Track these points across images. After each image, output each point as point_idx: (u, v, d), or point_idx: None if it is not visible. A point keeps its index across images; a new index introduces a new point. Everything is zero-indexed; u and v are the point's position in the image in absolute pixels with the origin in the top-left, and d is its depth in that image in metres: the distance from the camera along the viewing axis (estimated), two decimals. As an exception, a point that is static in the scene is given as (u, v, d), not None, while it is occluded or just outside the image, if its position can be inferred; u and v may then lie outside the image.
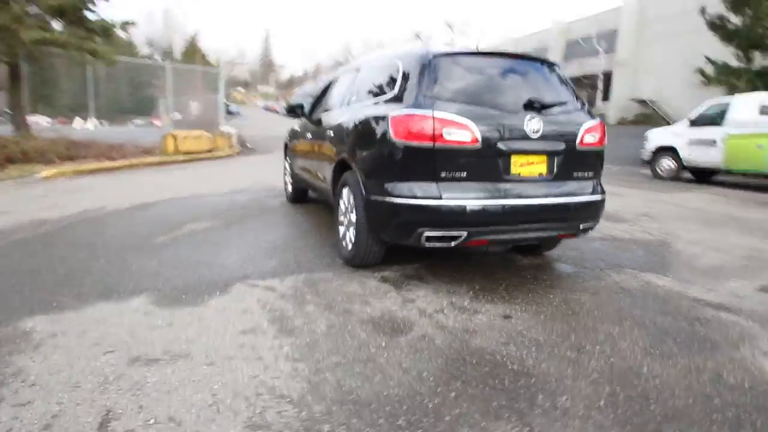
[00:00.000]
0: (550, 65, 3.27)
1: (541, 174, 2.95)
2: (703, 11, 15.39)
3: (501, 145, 2.81)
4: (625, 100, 29.91)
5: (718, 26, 15.45)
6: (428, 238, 2.83)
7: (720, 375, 2.10)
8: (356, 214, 3.22)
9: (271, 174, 8.86)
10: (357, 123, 3.32)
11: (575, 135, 2.99)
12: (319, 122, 4.48)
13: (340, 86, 4.38)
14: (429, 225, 2.79)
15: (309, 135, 4.76)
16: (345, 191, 3.53)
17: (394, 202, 2.85)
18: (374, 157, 3.05)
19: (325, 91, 4.84)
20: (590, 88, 32.24)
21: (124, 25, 12.12)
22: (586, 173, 3.13)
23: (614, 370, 2.11)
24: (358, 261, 3.36)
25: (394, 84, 3.12)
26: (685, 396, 1.92)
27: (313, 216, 5.25)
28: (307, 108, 5.34)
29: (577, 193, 3.03)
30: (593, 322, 2.65)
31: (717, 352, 2.33)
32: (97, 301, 2.77)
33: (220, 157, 11.97)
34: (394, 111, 2.89)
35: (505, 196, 2.85)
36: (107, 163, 9.28)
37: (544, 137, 2.89)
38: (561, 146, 2.96)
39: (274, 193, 6.80)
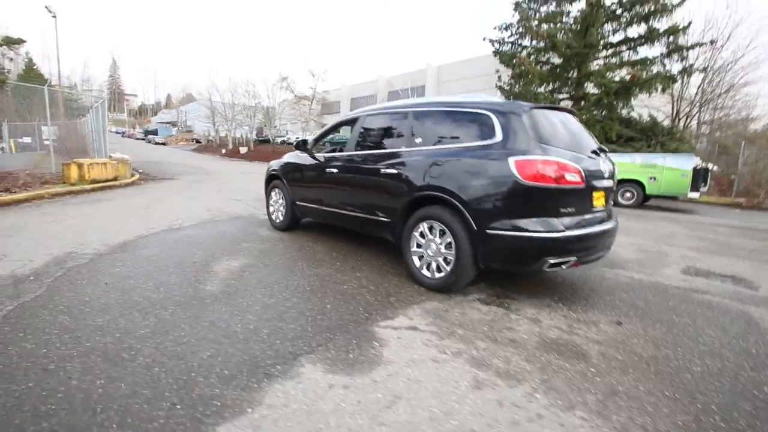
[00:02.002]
0: (576, 115, 3.41)
1: (602, 206, 3.06)
2: (499, 78, 18.22)
3: (592, 184, 2.83)
4: (433, 136, 33.55)
5: (503, 89, 18.48)
6: (551, 265, 2.68)
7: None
8: (458, 245, 2.87)
9: (219, 202, 7.33)
10: (456, 164, 2.95)
11: (613, 174, 3.19)
12: (354, 160, 3.87)
13: (381, 128, 3.85)
14: (552, 254, 2.66)
15: (335, 170, 4.04)
16: (424, 225, 3.13)
17: (524, 236, 2.66)
18: (493, 195, 2.75)
19: (343, 130, 4.17)
20: (409, 126, 35.22)
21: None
22: (611, 205, 3.36)
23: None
24: (455, 287, 3.02)
25: (492, 131, 2.87)
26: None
27: (328, 245, 4.46)
28: (310, 144, 4.57)
29: (613, 221, 3.23)
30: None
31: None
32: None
33: (129, 185, 9.26)
34: (516, 156, 2.66)
35: (592, 225, 2.88)
36: (5, 196, 6.32)
37: (606, 177, 3.03)
38: (610, 183, 3.12)
39: (253, 222, 5.59)
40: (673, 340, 2.47)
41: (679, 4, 14.36)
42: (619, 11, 15.48)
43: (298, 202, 4.76)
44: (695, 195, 9.93)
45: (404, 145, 3.44)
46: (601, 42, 15.60)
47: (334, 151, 4.95)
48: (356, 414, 1.67)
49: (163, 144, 42.24)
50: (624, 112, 15.76)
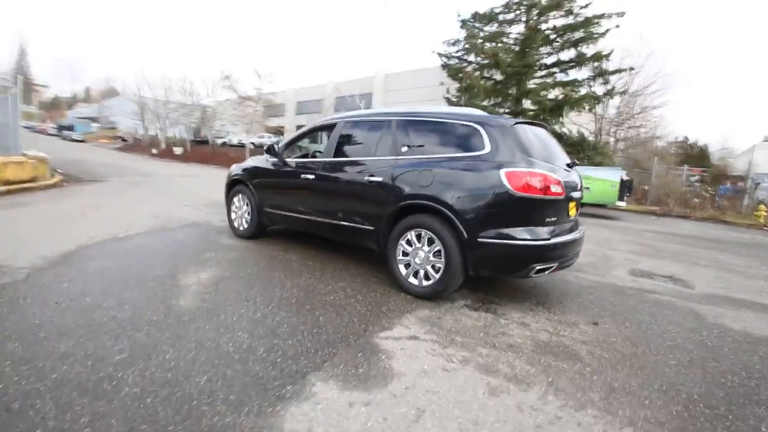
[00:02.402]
0: (548, 129, 3.63)
1: (574, 215, 3.30)
2: (447, 90, 18.95)
3: (570, 195, 3.04)
4: (380, 143, 33.99)
5: (450, 101, 19.26)
6: (537, 270, 2.82)
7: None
8: (447, 253, 2.93)
9: (165, 208, 6.72)
10: (446, 174, 3.00)
11: (581, 186, 3.46)
12: (334, 167, 3.77)
13: (362, 135, 3.79)
14: (539, 260, 2.80)
15: (312, 177, 3.91)
16: (411, 233, 3.15)
17: (514, 243, 2.78)
18: (484, 205, 2.84)
19: (317, 137, 4.03)
20: (356, 132, 35.37)
21: None
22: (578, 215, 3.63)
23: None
24: (444, 294, 3.07)
25: (481, 143, 2.97)
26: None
27: (300, 253, 4.27)
28: (281, 149, 4.38)
29: (582, 229, 3.49)
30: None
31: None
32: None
33: (50, 186, 8.10)
34: (506, 168, 2.78)
35: (569, 233, 3.09)
36: None
37: (578, 188, 3.27)
38: (580, 194, 3.37)
39: (211, 230, 5.17)
40: (645, 337, 2.73)
41: (603, 34, 16.08)
42: (553, 36, 16.94)
43: (267, 209, 4.53)
44: (622, 204, 11.10)
45: (389, 153, 3.43)
46: (538, 63, 16.95)
47: (306, 156, 4.79)
48: (386, 432, 1.61)
49: (82, 141, 37.84)
50: (556, 127, 17.21)
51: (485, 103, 17.68)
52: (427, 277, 3.13)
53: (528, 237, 2.77)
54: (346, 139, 3.91)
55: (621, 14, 15.76)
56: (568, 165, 3.32)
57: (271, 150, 4.41)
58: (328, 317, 2.69)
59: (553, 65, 17.55)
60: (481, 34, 18.07)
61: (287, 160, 4.40)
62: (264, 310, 2.75)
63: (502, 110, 18.23)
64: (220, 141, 30.30)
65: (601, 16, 15.95)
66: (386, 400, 1.82)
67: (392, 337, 2.46)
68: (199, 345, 2.20)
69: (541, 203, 2.80)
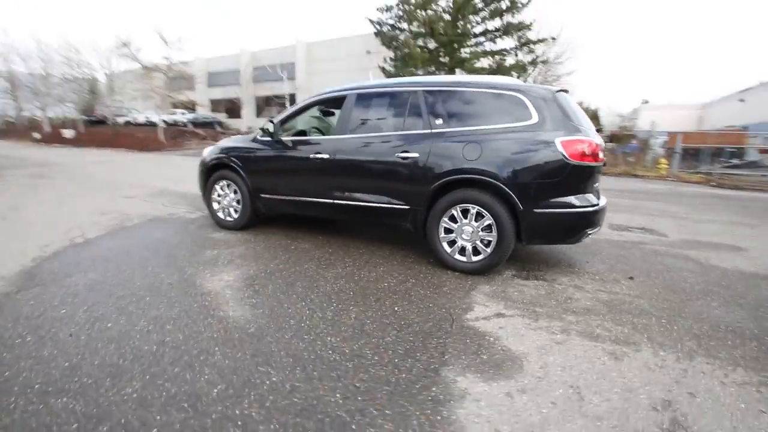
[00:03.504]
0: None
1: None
2: (385, 60, 18.54)
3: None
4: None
5: (383, 69, 18.98)
6: (587, 235, 2.94)
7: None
8: (501, 227, 2.92)
9: (106, 203, 5.68)
10: (495, 146, 2.91)
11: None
12: (354, 145, 3.46)
13: (383, 108, 3.48)
14: (591, 225, 2.92)
15: (325, 156, 3.54)
16: (457, 209, 3.07)
17: (571, 212, 2.84)
18: (539, 175, 2.82)
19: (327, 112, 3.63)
20: (281, 106, 33.41)
21: None
22: None
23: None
24: (496, 266, 3.07)
25: (526, 113, 2.92)
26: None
27: (310, 241, 3.91)
28: (276, 127, 3.88)
29: None
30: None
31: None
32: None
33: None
34: (562, 136, 2.78)
35: (601, 197, 3.24)
36: None
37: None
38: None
39: (186, 223, 4.47)
40: (677, 286, 3.03)
41: (527, 4, 16.93)
42: (480, 5, 17.37)
43: (263, 195, 4.04)
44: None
45: (421, 126, 3.23)
46: (472, 31, 17.35)
47: (301, 134, 4.33)
48: (567, 418, 1.56)
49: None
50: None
51: (420, 72, 17.76)
52: (476, 252, 3.09)
53: (584, 204, 2.85)
54: (361, 114, 3.59)
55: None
56: (597, 130, 3.45)
57: (265, 130, 3.89)
58: (403, 306, 2.52)
59: (482, 34, 18.12)
60: (413, 0, 17.83)
61: (285, 139, 3.93)
62: (331, 308, 2.48)
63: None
64: (122, 120, 26.33)
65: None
66: (536, 383, 1.77)
67: (481, 317, 2.40)
68: (297, 359, 1.91)
69: (590, 170, 2.88)
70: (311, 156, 3.66)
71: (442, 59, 17.76)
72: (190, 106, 32.36)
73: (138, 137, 21.87)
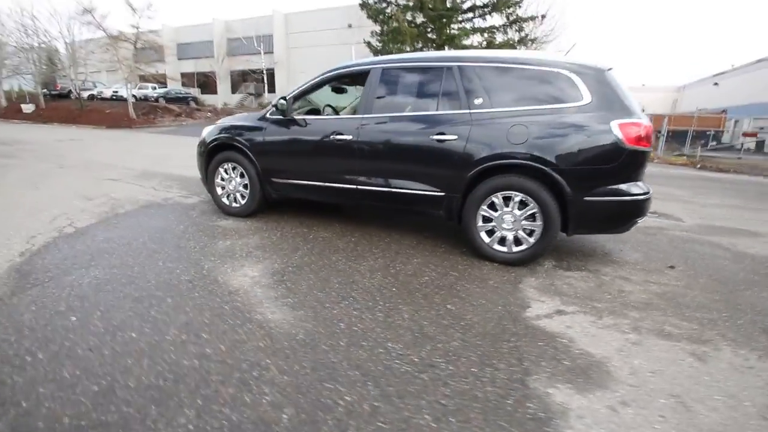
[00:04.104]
0: None
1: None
2: (372, 39, 17.76)
3: None
4: (287, 92, 31.32)
5: (369, 44, 18.27)
6: (635, 224, 2.82)
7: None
8: (547, 215, 2.75)
9: (90, 187, 5.20)
10: (544, 129, 2.69)
11: None
12: (381, 125, 3.16)
13: (413, 85, 3.18)
14: (641, 214, 2.78)
15: (348, 137, 3.24)
16: (498, 196, 2.87)
17: (624, 200, 2.68)
18: (592, 161, 2.64)
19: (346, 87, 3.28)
20: (258, 82, 32.00)
21: None
22: None
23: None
24: (537, 258, 2.91)
25: (576, 93, 2.70)
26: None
27: (328, 229, 3.62)
28: (288, 105, 3.53)
29: None
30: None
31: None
32: None
33: None
34: (618, 119, 2.59)
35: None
36: None
37: None
38: None
39: (186, 209, 4.08)
40: (718, 275, 2.96)
41: (515, -21, 16.49)
42: (469, -22, 16.80)
43: (275, 180, 3.71)
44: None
45: (459, 106, 2.96)
46: (461, 6, 16.80)
47: (313, 112, 3.97)
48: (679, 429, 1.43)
49: None
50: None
51: (407, 48, 17.18)
52: (517, 242, 2.92)
53: (637, 191, 2.69)
54: (388, 91, 3.28)
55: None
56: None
57: (277, 107, 3.52)
58: (455, 303, 2.33)
59: (470, 9, 17.62)
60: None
61: (299, 118, 3.58)
62: (378, 307, 2.25)
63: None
64: (86, 94, 24.48)
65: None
66: (634, 393, 1.62)
67: (542, 315, 2.23)
68: (365, 372, 1.69)
69: (644, 155, 2.72)
70: (331, 137, 3.34)
71: (430, 35, 17.22)
72: (161, 80, 30.51)
73: (106, 113, 20.44)
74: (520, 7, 16.99)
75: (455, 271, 2.82)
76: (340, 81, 3.88)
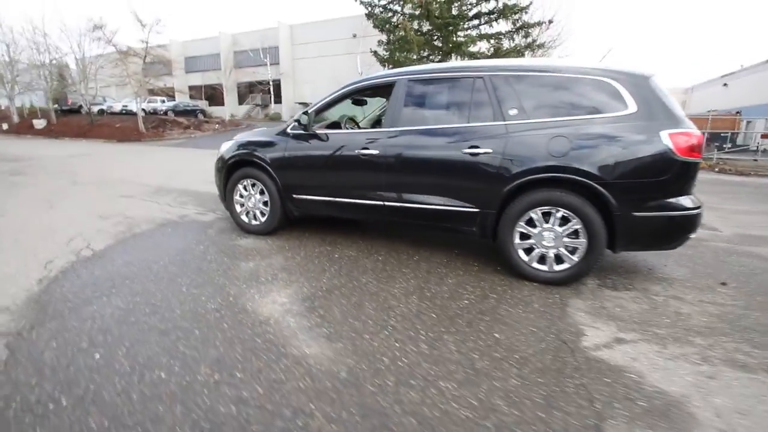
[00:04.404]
0: None
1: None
2: (379, 48, 17.76)
3: None
4: (293, 102, 31.54)
5: (375, 53, 18.27)
6: (688, 240, 2.63)
7: None
8: (592, 232, 2.57)
9: (104, 204, 5.10)
10: (588, 140, 2.53)
11: None
12: (409, 139, 3.02)
13: (442, 97, 3.05)
14: (693, 229, 2.59)
15: (375, 152, 3.10)
16: (537, 212, 2.70)
17: (676, 215, 2.50)
18: (642, 173, 2.47)
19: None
20: (265, 93, 32.25)
21: None
22: None
23: None
24: (580, 277, 2.73)
25: (620, 101, 2.54)
26: None
27: (352, 246, 3.48)
28: (310, 119, 3.41)
29: None
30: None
31: None
32: None
33: None
34: (669, 129, 2.43)
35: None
36: None
37: None
38: None
39: (204, 227, 3.95)
40: (776, 292, 2.76)
41: (522, -15, 16.40)
42: (474, -15, 16.74)
43: (296, 196, 3.58)
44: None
45: (492, 118, 2.81)
46: (467, 14, 16.74)
47: (334, 126, 3.85)
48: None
49: None
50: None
51: (414, 57, 17.14)
52: (558, 260, 2.75)
53: (690, 206, 2.51)
54: (414, 103, 3.14)
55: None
56: None
57: (300, 122, 3.40)
58: (502, 331, 2.15)
59: (476, 17, 17.55)
60: (404, -20, 17.06)
61: (321, 132, 3.46)
62: (421, 337, 2.09)
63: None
64: (96, 108, 24.74)
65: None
66: (729, 442, 1.43)
67: (601, 344, 2.05)
68: (422, 420, 1.51)
69: (696, 166, 2.54)
70: (356, 152, 3.20)
71: (436, 43, 17.16)
72: (170, 93, 30.86)
73: (116, 127, 20.59)
74: (526, 12, 16.89)
75: (494, 292, 2.65)
76: (363, 93, 3.75)
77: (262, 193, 3.77)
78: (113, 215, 4.57)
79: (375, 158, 3.14)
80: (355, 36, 27.43)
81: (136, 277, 2.83)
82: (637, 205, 2.50)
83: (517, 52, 16.69)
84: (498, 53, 16.14)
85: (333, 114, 4.07)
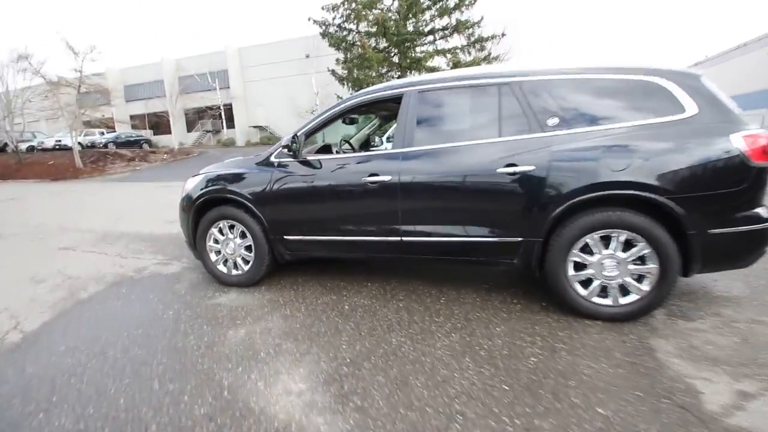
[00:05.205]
0: None
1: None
2: (336, 67, 17.46)
3: None
4: (247, 127, 30.50)
5: (333, 72, 17.97)
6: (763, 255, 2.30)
7: None
8: (663, 255, 2.19)
9: (38, 262, 4.15)
10: (647, 149, 2.16)
11: None
12: (427, 160, 2.54)
13: (465, 109, 2.59)
14: (770, 244, 2.26)
15: (386, 179, 2.58)
16: (594, 237, 2.29)
17: (758, 228, 2.16)
18: (716, 184, 2.12)
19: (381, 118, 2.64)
20: (215, 118, 30.98)
21: None
22: None
23: None
24: (652, 308, 2.32)
25: (675, 103, 2.21)
26: None
27: (362, 292, 2.89)
28: (298, 144, 2.84)
29: None
30: None
31: None
32: None
33: None
34: (740, 131, 2.11)
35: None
36: None
37: None
38: None
39: (171, 282, 3.20)
40: None
41: (473, 2, 16.82)
42: (427, 3, 16.98)
43: (288, 237, 2.96)
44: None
45: (529, 129, 2.39)
46: (423, 30, 16.89)
47: (325, 150, 3.29)
48: None
49: None
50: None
51: (373, 74, 17.00)
52: (623, 291, 2.33)
53: (766, 216, 2.20)
54: (429, 117, 2.67)
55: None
56: None
57: (289, 147, 2.81)
58: (603, 402, 1.66)
59: (430, 32, 17.79)
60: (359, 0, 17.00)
61: (313, 158, 2.89)
62: (505, 428, 1.55)
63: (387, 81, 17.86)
64: (25, 146, 22.36)
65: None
66: None
67: (730, 406, 1.61)
68: None
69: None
70: (363, 180, 2.67)
71: (394, 59, 17.15)
72: (110, 125, 28.68)
73: (49, 165, 18.61)
74: (479, 27, 17.35)
75: (558, 341, 2.17)
76: (360, 110, 3.24)
77: (243, 235, 3.12)
78: (50, 276, 3.68)
79: (387, 185, 2.61)
80: (308, 56, 27.04)
81: (85, 372, 2.07)
82: (713, 220, 2.15)
83: (476, 65, 17.02)
84: (457, 66, 16.34)
85: (319, 136, 3.53)
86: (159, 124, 32.80)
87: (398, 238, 2.68)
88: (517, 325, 2.37)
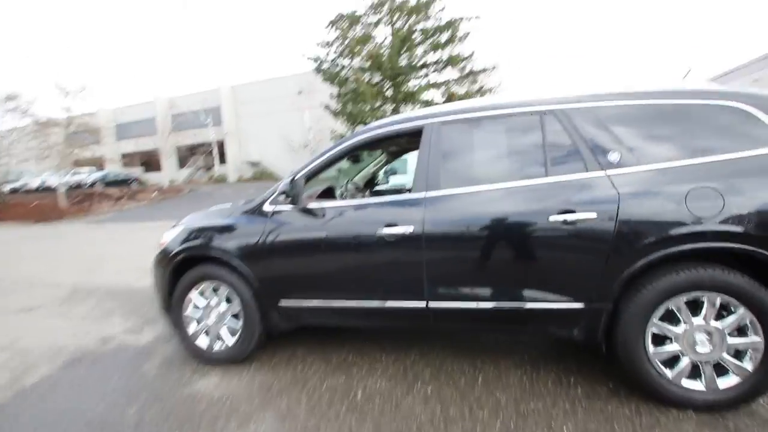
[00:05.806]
0: None
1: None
2: (330, 101, 17.47)
3: None
4: (240, 163, 30.33)
5: (327, 107, 17.95)
6: None
7: None
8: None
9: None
10: (750, 189, 1.71)
11: None
12: (456, 207, 2.06)
13: (501, 144, 2.14)
14: None
15: (408, 231, 2.08)
16: (679, 301, 1.79)
17: None
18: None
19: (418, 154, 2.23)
20: (207, 154, 30.85)
21: None
22: None
23: None
24: (758, 393, 1.79)
25: (762, 130, 1.79)
26: None
27: (375, 374, 2.32)
28: (297, 189, 2.35)
29: None
30: None
31: None
32: None
33: None
34: None
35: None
36: None
37: None
38: None
39: (140, 361, 2.59)
40: None
41: (464, 38, 17.12)
42: (419, 38, 17.24)
43: (284, 303, 2.41)
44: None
45: (583, 167, 1.94)
46: (416, 64, 17.04)
47: (327, 193, 2.80)
48: None
49: None
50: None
51: (368, 108, 16.95)
52: (721, 371, 1.81)
53: None
54: (456, 155, 2.21)
55: (477, 17, 17.05)
56: None
57: (287, 193, 2.33)
58: None
59: (423, 66, 17.96)
60: (350, 35, 17.23)
61: (315, 206, 2.39)
62: None
63: (382, 114, 17.84)
64: (9, 188, 21.73)
65: (461, 20, 16.96)
66: None
67: None
68: None
69: None
70: (377, 232, 2.17)
71: (387, 93, 17.19)
72: (99, 163, 28.29)
73: (32, 206, 17.96)
74: (471, 60, 17.57)
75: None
76: (373, 146, 2.79)
77: (228, 301, 2.56)
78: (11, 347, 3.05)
79: (409, 238, 2.10)
80: (300, 92, 27.30)
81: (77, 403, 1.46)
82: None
83: (469, 97, 17.11)
84: (450, 99, 16.38)
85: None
86: (150, 161, 32.51)
87: (423, 304, 2.15)
88: (585, 420, 1.81)
